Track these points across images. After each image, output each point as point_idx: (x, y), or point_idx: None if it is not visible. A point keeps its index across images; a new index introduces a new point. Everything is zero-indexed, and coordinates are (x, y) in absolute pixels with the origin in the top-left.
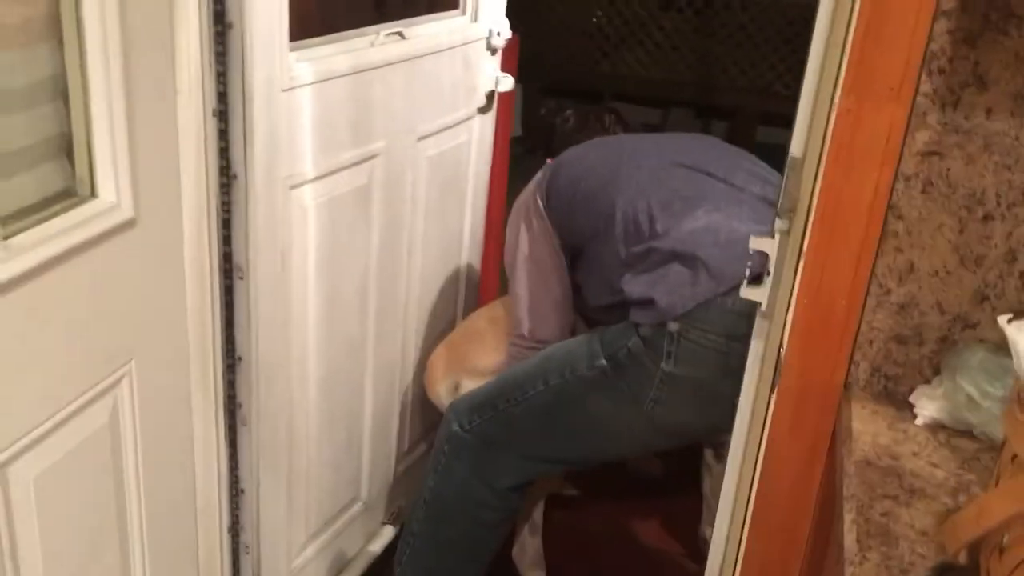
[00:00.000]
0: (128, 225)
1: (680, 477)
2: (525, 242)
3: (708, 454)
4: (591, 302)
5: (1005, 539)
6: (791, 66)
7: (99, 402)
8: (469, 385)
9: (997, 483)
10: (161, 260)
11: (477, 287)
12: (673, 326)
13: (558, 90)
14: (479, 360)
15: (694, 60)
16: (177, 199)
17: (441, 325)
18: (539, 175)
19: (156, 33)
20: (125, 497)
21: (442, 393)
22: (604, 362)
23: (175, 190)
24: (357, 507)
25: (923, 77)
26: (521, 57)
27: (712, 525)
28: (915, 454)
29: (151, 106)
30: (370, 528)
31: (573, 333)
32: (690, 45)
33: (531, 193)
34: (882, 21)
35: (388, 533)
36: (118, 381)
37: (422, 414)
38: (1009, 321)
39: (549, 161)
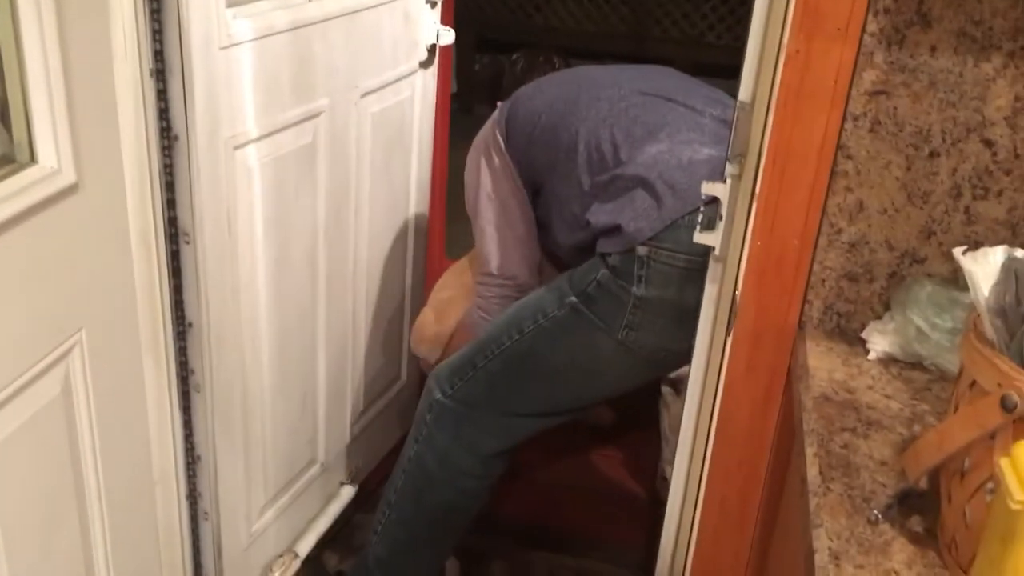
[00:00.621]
0: (71, 191)
1: (634, 422)
2: (487, 179)
3: (666, 392)
4: (561, 241)
5: (966, 463)
6: (722, 16)
7: (50, 373)
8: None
9: (956, 409)
10: (105, 226)
11: (425, 244)
12: (642, 250)
13: (491, 44)
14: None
15: (627, 12)
16: (119, 162)
17: (391, 283)
18: (496, 112)
19: None
20: (82, 468)
21: (427, 352)
22: (574, 298)
23: (116, 153)
24: (315, 469)
25: (869, 17)
26: (454, 10)
27: (672, 463)
28: (870, 387)
29: (88, 67)
30: (329, 489)
31: (542, 277)
32: None
33: (490, 130)
34: None
35: (347, 494)
36: (69, 351)
37: (376, 373)
38: (964, 252)
39: (500, 104)
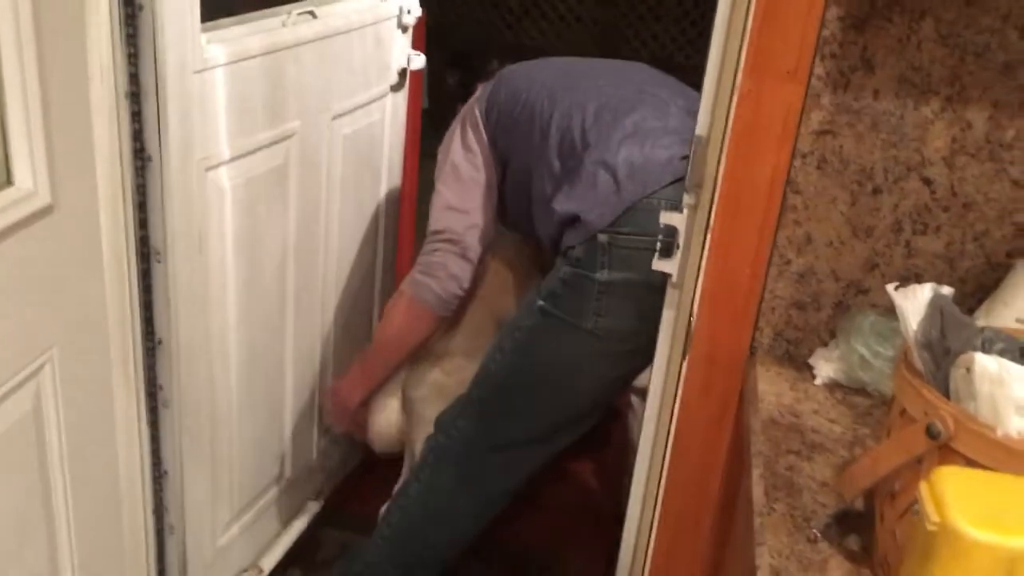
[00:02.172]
0: (46, 211)
1: (597, 437)
2: (457, 148)
3: (635, 401)
4: (541, 234)
5: (896, 486)
6: (691, 38)
7: (21, 391)
8: (423, 365)
9: (888, 434)
10: (78, 246)
11: (394, 262)
12: (602, 237)
13: (464, 60)
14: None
15: (597, 32)
16: (93, 183)
17: (359, 301)
18: (480, 89)
19: (67, 16)
20: (50, 483)
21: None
22: (542, 302)
23: (91, 174)
24: (281, 485)
25: (817, 61)
26: (426, 28)
27: None
28: (815, 411)
29: (64, 90)
30: (295, 505)
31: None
32: (592, 16)
33: (470, 106)
34: (778, 7)
35: (312, 509)
36: (40, 368)
37: None
38: (896, 288)
39: (482, 84)
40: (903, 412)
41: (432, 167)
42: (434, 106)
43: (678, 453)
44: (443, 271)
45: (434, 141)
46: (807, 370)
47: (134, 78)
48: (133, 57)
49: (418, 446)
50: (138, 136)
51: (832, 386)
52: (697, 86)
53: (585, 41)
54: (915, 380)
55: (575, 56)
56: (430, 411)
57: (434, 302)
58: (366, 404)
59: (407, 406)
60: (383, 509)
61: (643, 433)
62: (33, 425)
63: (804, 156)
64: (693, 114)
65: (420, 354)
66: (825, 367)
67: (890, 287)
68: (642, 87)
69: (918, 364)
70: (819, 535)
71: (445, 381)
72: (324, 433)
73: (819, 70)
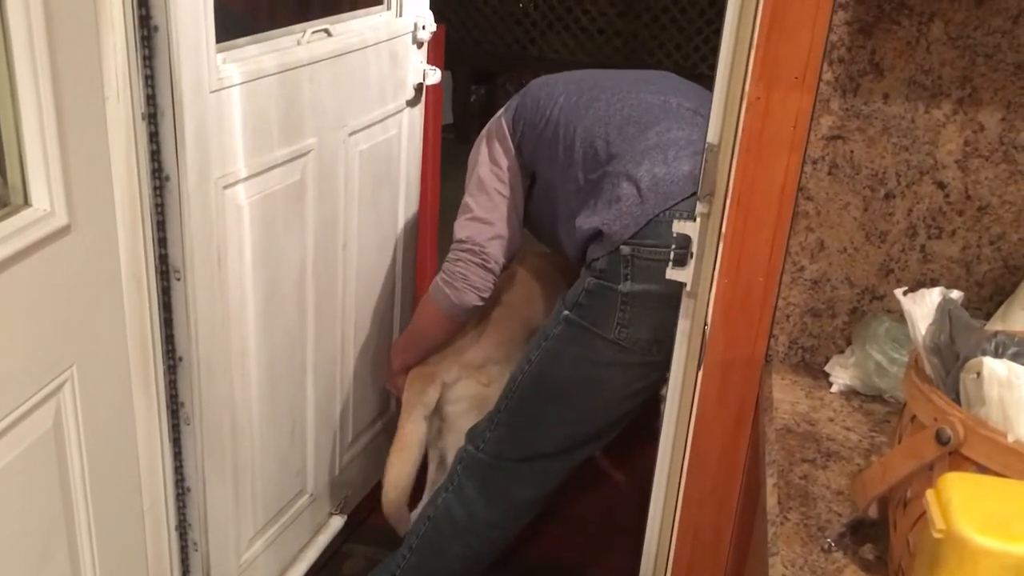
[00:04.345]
0: (63, 232)
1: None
2: (484, 161)
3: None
4: (568, 250)
5: (908, 493)
6: (715, 47)
7: (41, 409)
8: (463, 381)
9: (899, 441)
10: (97, 265)
11: (413, 277)
12: (625, 249)
13: (488, 76)
14: (467, 353)
15: (620, 44)
16: (111, 203)
17: (379, 315)
18: (510, 101)
19: (82, 38)
20: (72, 502)
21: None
22: (567, 312)
23: (108, 195)
24: (304, 499)
25: (825, 66)
26: (450, 44)
27: None
28: (831, 419)
29: (81, 111)
30: (318, 519)
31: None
32: (615, 28)
33: (499, 117)
34: (785, 14)
35: (336, 524)
36: (60, 387)
37: (364, 404)
38: (904, 293)
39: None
40: (913, 418)
41: (458, 179)
42: (458, 120)
43: (695, 464)
44: (462, 281)
45: (459, 156)
46: (823, 378)
47: (151, 99)
48: (149, 78)
49: (450, 456)
50: (155, 156)
51: (848, 393)
52: None
53: (608, 53)
54: (924, 386)
55: (601, 68)
56: (466, 422)
57: (446, 307)
58: (404, 372)
59: (442, 418)
60: (412, 513)
61: (661, 444)
62: (54, 444)
63: (815, 162)
64: None
65: (456, 370)
66: (841, 374)
67: (898, 292)
68: (668, 98)
69: (927, 369)
70: (833, 544)
71: (485, 392)
72: (346, 448)
73: (828, 75)
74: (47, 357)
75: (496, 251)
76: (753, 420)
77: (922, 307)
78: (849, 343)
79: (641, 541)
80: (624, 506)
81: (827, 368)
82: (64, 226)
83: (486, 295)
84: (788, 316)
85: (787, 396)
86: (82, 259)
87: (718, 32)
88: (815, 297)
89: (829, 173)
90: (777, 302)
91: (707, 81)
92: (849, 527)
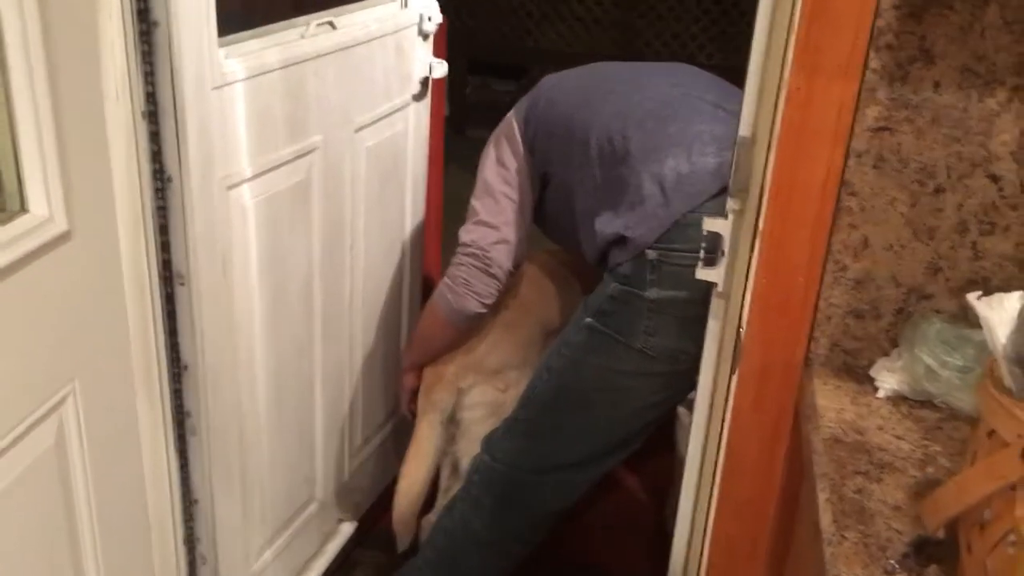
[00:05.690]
0: (63, 239)
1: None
2: (492, 163)
3: (682, 412)
4: (587, 252)
5: (986, 514)
6: (713, 36)
7: (43, 424)
8: (479, 387)
9: (974, 460)
10: (99, 272)
11: (421, 275)
12: (651, 254)
13: (483, 67)
14: (485, 358)
15: (617, 34)
16: (111, 207)
17: (387, 317)
18: (521, 100)
19: (79, 35)
20: (76, 519)
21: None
22: (590, 319)
23: (108, 198)
24: (313, 507)
25: (871, 53)
26: (446, 36)
27: None
28: (880, 428)
29: (78, 112)
30: (327, 527)
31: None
32: (612, 18)
33: (509, 118)
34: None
35: (346, 530)
36: (62, 401)
37: (373, 409)
38: (979, 298)
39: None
40: (991, 433)
41: (453, 178)
42: (454, 112)
43: (730, 473)
44: (464, 287)
45: (456, 149)
46: (868, 382)
47: (151, 96)
48: (149, 75)
49: (464, 463)
50: (157, 156)
51: (896, 399)
52: None
53: (605, 43)
54: (1005, 399)
55: (609, 60)
56: (482, 429)
57: (447, 313)
58: (412, 370)
59: (456, 424)
60: (423, 520)
61: (689, 451)
62: (56, 460)
63: (859, 155)
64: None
65: (471, 376)
66: (888, 379)
67: (972, 297)
68: (687, 90)
69: (1008, 380)
70: (897, 566)
71: (502, 398)
72: (355, 454)
73: (874, 63)
74: (47, 371)
75: (501, 256)
76: (792, 427)
77: (1000, 312)
78: (894, 345)
79: (654, 544)
80: (644, 508)
81: (872, 372)
82: (63, 232)
83: (489, 302)
84: (829, 318)
85: (832, 403)
86: (82, 267)
87: (715, 21)
88: (858, 297)
89: (875, 167)
90: (818, 303)
91: (704, 70)
92: (913, 547)
